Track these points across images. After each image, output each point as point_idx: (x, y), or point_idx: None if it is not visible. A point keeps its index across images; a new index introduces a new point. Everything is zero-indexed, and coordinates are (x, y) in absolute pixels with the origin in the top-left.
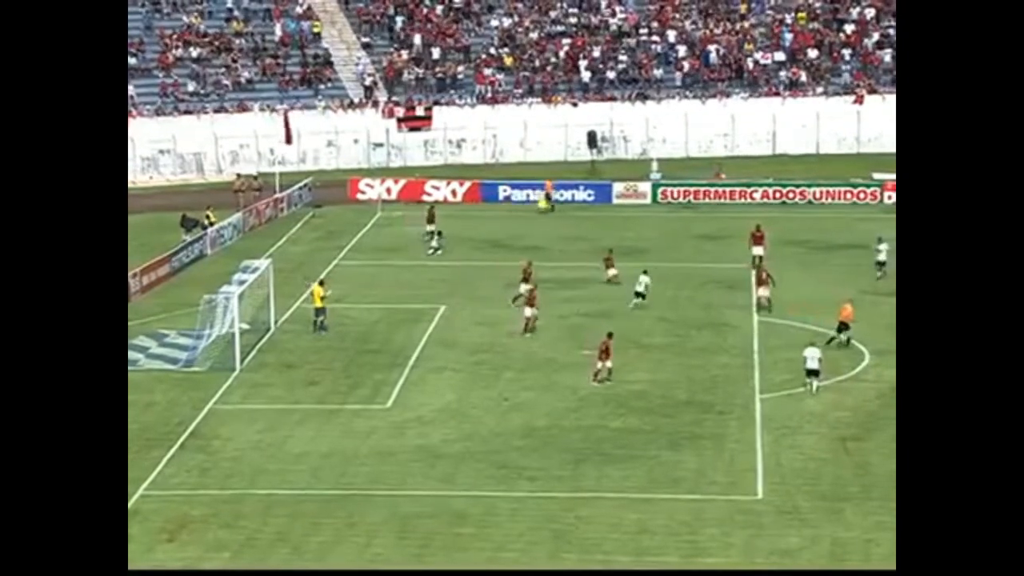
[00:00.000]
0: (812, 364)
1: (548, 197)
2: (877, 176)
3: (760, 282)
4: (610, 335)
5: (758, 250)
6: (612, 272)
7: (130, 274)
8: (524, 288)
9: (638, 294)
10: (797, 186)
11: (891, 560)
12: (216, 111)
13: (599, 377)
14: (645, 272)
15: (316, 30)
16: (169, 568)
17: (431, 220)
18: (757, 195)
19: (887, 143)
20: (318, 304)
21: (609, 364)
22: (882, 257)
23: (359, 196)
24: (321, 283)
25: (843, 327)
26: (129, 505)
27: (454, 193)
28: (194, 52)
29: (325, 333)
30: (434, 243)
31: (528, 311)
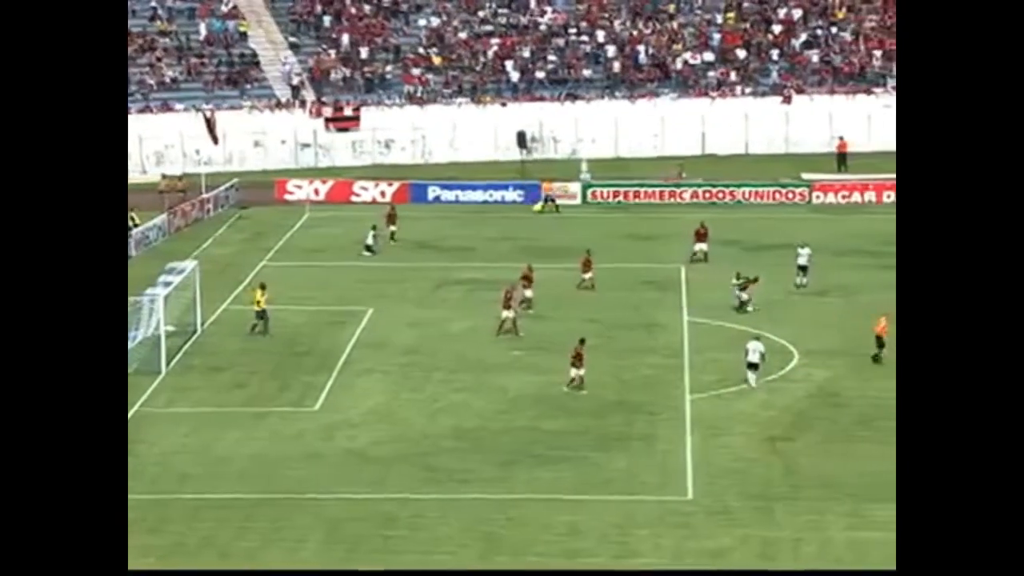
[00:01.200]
0: (753, 357)
1: (547, 199)
2: (806, 176)
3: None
4: (582, 341)
5: (701, 246)
6: (588, 275)
7: None
8: (528, 293)
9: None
10: (727, 186)
11: (818, 560)
12: (140, 111)
13: (573, 384)
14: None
15: (242, 29)
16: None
17: (392, 221)
18: (687, 195)
19: (815, 143)
20: (258, 307)
21: (582, 372)
22: (803, 261)
23: (287, 197)
24: (263, 286)
25: (879, 342)
26: None
27: (383, 194)
28: None
29: (263, 337)
30: (372, 243)
31: (505, 312)
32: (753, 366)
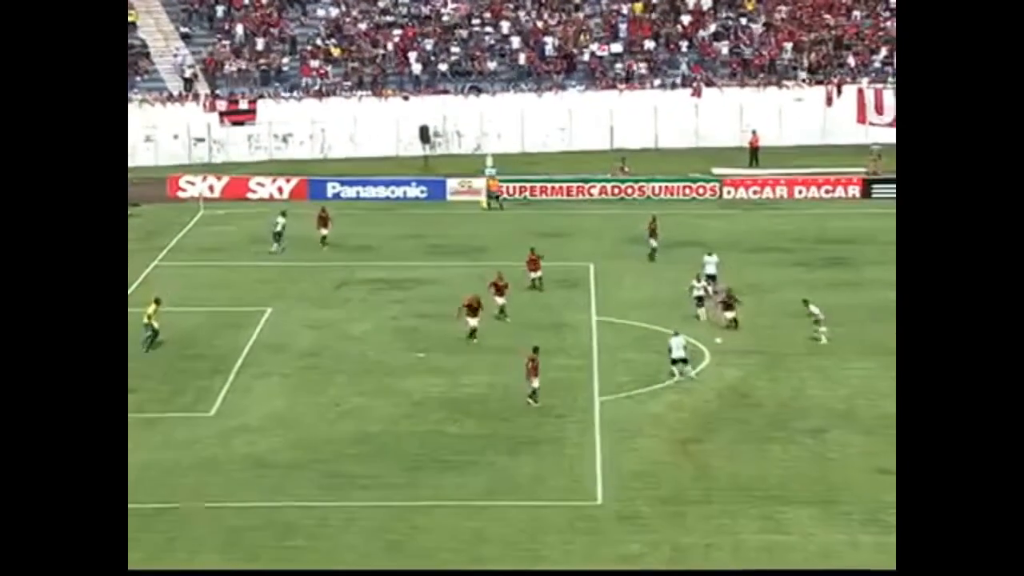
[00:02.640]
0: (678, 352)
1: (492, 196)
2: (716, 171)
3: (726, 307)
4: (536, 350)
5: (653, 242)
6: (536, 275)
7: None
8: (500, 301)
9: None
10: (636, 181)
11: (733, 564)
12: None
13: (533, 398)
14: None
15: (131, 19)
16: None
17: (324, 224)
18: (596, 191)
19: (725, 137)
20: (148, 322)
21: (537, 383)
22: (711, 270)
23: (179, 194)
24: (157, 301)
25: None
26: None
27: (280, 190)
28: None
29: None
30: (277, 246)
31: (472, 321)
32: (680, 361)
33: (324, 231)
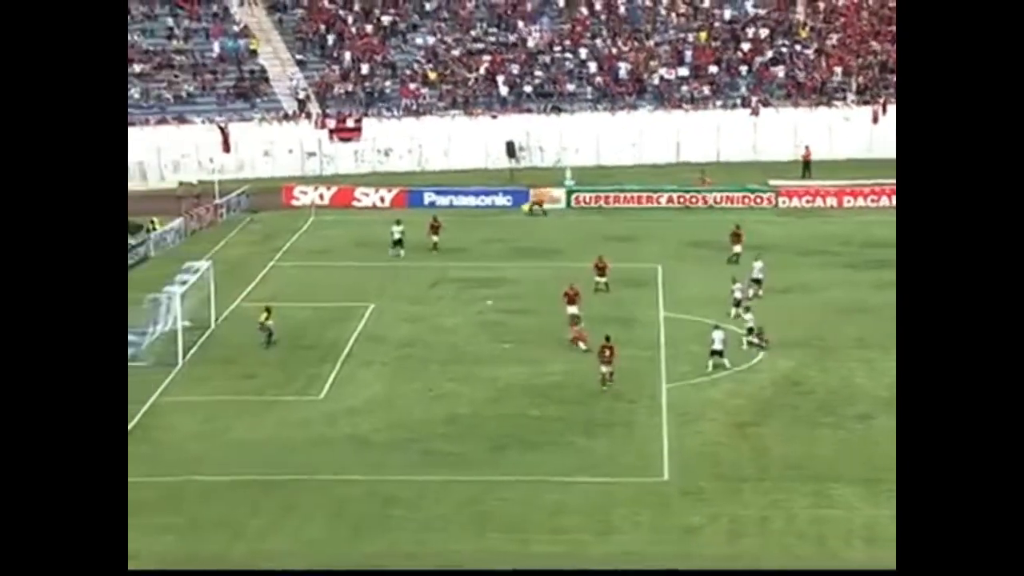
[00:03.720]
0: (718, 345)
1: (535, 204)
2: (772, 182)
3: (752, 340)
4: (608, 338)
5: (737, 248)
6: (602, 279)
7: None
8: (572, 310)
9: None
10: (699, 191)
11: (785, 536)
12: (158, 123)
13: (606, 382)
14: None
15: (253, 48)
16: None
17: (435, 231)
18: (663, 200)
19: (780, 152)
20: (264, 323)
21: (611, 369)
22: (756, 275)
23: (293, 202)
24: (268, 309)
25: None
26: None
27: (382, 199)
28: (137, 68)
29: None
30: (394, 251)
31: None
32: (718, 352)
33: (435, 238)
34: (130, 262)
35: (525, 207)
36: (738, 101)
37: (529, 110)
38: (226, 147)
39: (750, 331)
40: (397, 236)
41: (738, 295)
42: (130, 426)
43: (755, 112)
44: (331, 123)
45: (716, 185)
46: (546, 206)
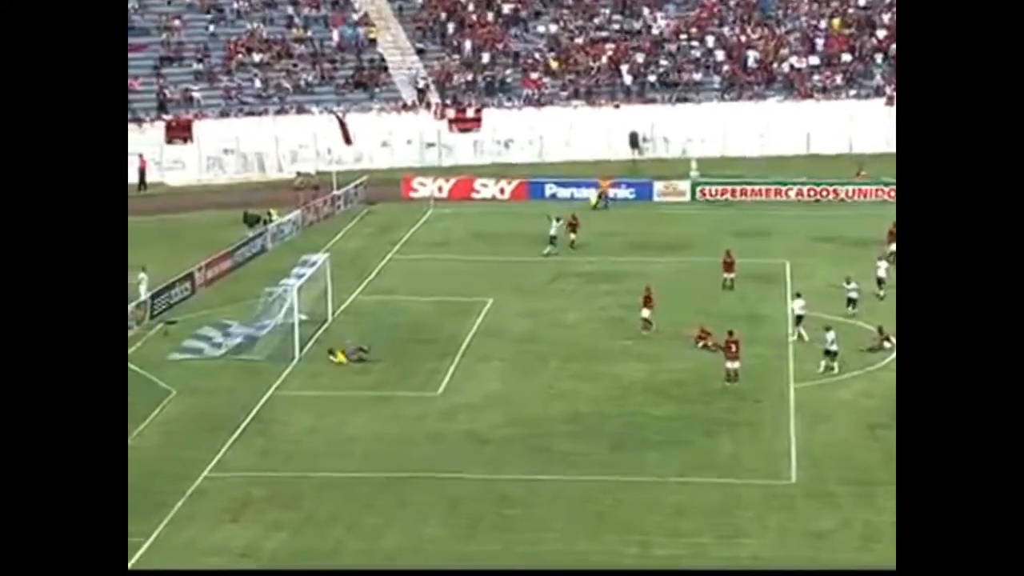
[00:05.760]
0: (831, 346)
1: (601, 195)
2: None
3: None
4: (731, 333)
5: (891, 247)
6: (730, 276)
7: (195, 268)
8: (646, 313)
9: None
10: (830, 184)
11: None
12: (277, 113)
13: (731, 378)
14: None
15: (372, 36)
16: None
17: (573, 229)
18: (792, 193)
19: None
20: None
21: (737, 365)
22: (881, 273)
23: (412, 194)
24: (331, 351)
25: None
26: (194, 486)
27: (502, 191)
28: (256, 57)
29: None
30: (549, 249)
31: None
32: (830, 353)
33: (573, 235)
34: (248, 254)
35: (592, 199)
36: (872, 91)
37: (653, 100)
38: (347, 139)
39: (799, 320)
40: (553, 231)
41: (853, 294)
42: (246, 421)
43: (890, 102)
44: (450, 113)
45: (849, 179)
46: (611, 193)
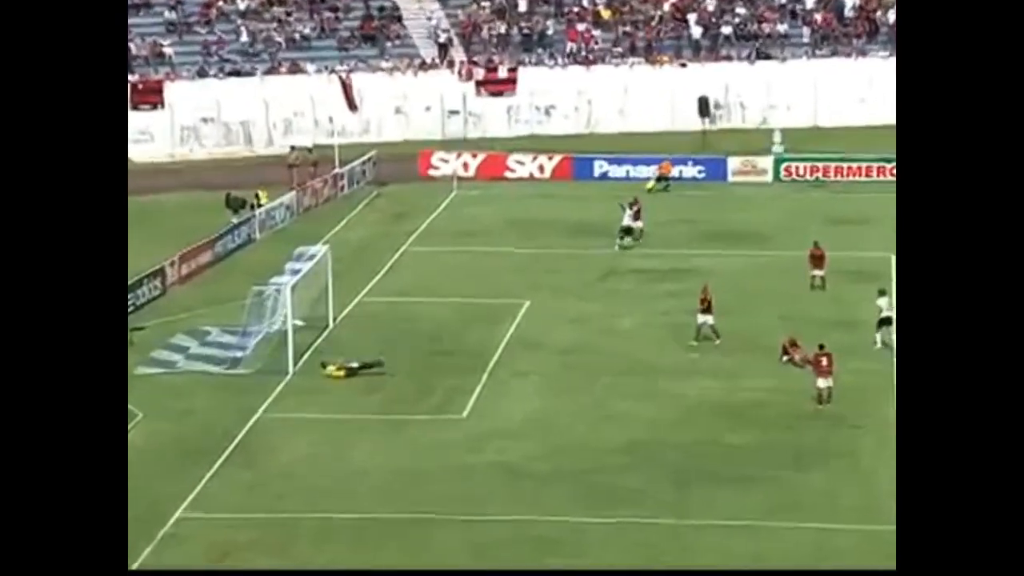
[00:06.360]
0: (887, 312)
1: (660, 178)
2: None
3: None
4: (822, 347)
5: None
6: (819, 272)
7: (167, 261)
8: (706, 319)
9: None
10: None
11: None
12: (266, 73)
13: (823, 399)
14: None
15: None
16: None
17: (637, 216)
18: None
19: None
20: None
21: (830, 383)
22: (886, 313)
23: (431, 172)
24: (323, 364)
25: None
26: (164, 529)
27: (541, 169)
28: (241, 4)
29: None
30: (627, 241)
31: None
32: (886, 320)
33: (638, 223)
34: (231, 245)
35: (649, 183)
36: None
37: (728, 57)
38: (350, 104)
39: (886, 322)
40: (627, 223)
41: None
42: (228, 449)
43: None
44: (479, 73)
45: None
46: (672, 172)
